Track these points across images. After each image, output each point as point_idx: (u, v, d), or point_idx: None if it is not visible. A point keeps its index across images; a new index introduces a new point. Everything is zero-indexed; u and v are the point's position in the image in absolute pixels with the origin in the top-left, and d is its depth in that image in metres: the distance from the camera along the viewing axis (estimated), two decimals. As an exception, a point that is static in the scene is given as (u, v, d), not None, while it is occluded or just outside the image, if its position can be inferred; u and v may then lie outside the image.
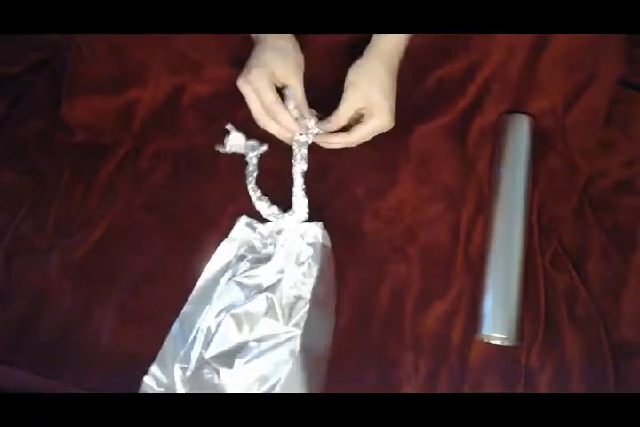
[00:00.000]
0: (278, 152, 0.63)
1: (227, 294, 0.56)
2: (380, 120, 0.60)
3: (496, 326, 0.56)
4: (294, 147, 0.61)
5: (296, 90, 0.60)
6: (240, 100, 0.61)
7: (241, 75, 0.60)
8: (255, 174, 0.63)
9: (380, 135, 0.63)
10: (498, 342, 0.56)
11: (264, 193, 0.62)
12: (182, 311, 0.57)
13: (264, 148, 0.65)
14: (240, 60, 0.62)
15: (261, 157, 0.65)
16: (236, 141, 0.65)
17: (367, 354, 0.57)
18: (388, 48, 0.62)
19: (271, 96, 0.59)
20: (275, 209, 0.60)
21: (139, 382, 0.55)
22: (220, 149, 0.65)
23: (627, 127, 0.65)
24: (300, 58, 0.62)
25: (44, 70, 0.73)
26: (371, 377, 0.56)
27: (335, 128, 0.61)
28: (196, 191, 0.65)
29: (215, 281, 0.58)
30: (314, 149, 0.63)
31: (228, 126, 0.65)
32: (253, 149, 0.65)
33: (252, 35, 0.64)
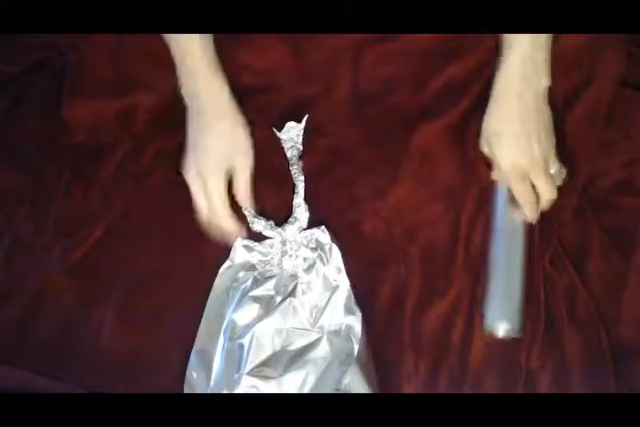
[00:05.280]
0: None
1: (246, 311, 0.57)
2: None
3: (500, 315, 0.55)
4: (291, 162, 0.63)
5: (245, 184, 0.60)
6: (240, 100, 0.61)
7: (190, 170, 0.59)
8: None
9: (380, 135, 0.63)
10: (501, 333, 0.55)
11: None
12: (194, 347, 0.56)
13: None
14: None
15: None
16: None
17: (367, 354, 0.57)
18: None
19: (220, 205, 0.58)
20: (272, 223, 0.61)
21: (139, 381, 0.55)
22: None
23: (627, 127, 0.65)
24: (248, 142, 0.61)
25: (44, 70, 0.73)
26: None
27: None
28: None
29: (221, 307, 0.58)
30: (312, 149, 0.64)
31: None
32: None
33: (186, 98, 0.62)
